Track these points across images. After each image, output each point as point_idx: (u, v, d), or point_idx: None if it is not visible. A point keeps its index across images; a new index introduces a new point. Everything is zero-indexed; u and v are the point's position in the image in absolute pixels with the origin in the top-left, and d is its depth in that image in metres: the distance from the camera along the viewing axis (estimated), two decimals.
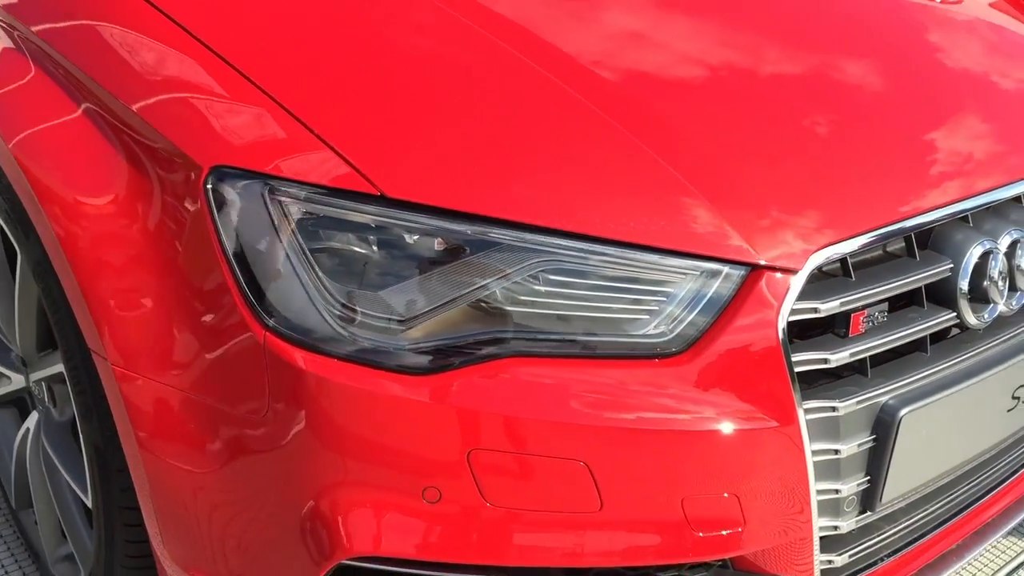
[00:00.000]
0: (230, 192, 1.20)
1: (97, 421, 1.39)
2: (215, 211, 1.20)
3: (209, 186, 1.20)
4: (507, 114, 1.31)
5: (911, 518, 1.48)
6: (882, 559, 1.46)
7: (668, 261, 1.22)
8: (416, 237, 1.17)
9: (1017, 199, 1.50)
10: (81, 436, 1.44)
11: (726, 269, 1.23)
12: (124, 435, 1.32)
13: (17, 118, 1.39)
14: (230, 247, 1.19)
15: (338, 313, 1.17)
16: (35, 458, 1.72)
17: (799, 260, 1.26)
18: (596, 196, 1.24)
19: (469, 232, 1.18)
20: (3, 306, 1.66)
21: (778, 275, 1.24)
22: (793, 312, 1.25)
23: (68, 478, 1.55)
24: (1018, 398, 1.50)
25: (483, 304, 1.19)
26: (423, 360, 1.17)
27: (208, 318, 1.22)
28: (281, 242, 1.18)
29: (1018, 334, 1.50)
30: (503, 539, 1.20)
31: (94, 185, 1.31)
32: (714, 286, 1.23)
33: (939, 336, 1.44)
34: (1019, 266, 1.46)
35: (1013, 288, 1.46)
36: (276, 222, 1.18)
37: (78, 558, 1.61)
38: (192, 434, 1.26)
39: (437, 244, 1.17)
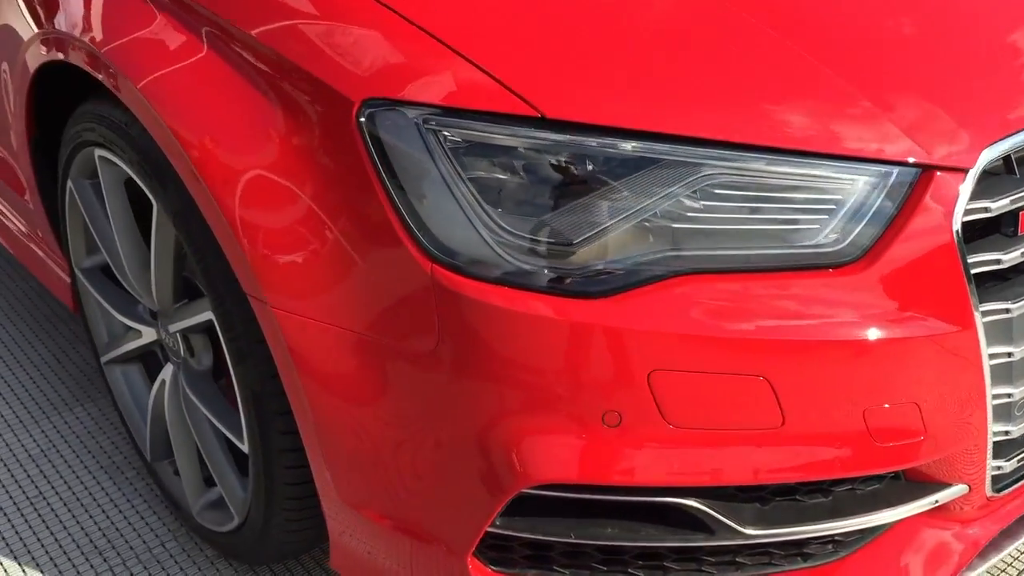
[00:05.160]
0: (383, 125, 1.17)
1: (254, 366, 1.39)
2: (370, 146, 1.18)
3: (362, 119, 1.18)
4: (660, 29, 1.27)
5: None
6: None
7: (838, 166, 1.18)
8: (578, 158, 1.14)
9: None
10: (235, 382, 1.44)
11: (897, 171, 1.19)
12: (287, 378, 1.32)
13: (148, 63, 1.37)
14: (388, 181, 1.17)
15: (504, 241, 1.15)
16: (174, 409, 1.73)
17: (971, 158, 1.21)
18: (757, 105, 1.20)
19: (632, 149, 1.15)
20: (132, 260, 1.66)
21: (950, 174, 1.20)
22: (966, 212, 1.21)
23: (218, 425, 1.56)
24: None
25: (650, 223, 1.16)
26: (596, 283, 1.15)
27: (370, 254, 1.21)
28: (440, 172, 1.15)
29: None
30: (685, 460, 1.18)
31: (240, 128, 1.29)
32: (886, 189, 1.19)
33: None
34: None
35: None
36: (433, 152, 1.16)
37: (231, 504, 1.63)
38: (361, 372, 1.26)
39: (600, 164, 1.14)
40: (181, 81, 1.34)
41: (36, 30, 1.65)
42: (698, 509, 1.21)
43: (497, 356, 1.17)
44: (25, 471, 2.08)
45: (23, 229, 2.19)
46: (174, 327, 1.62)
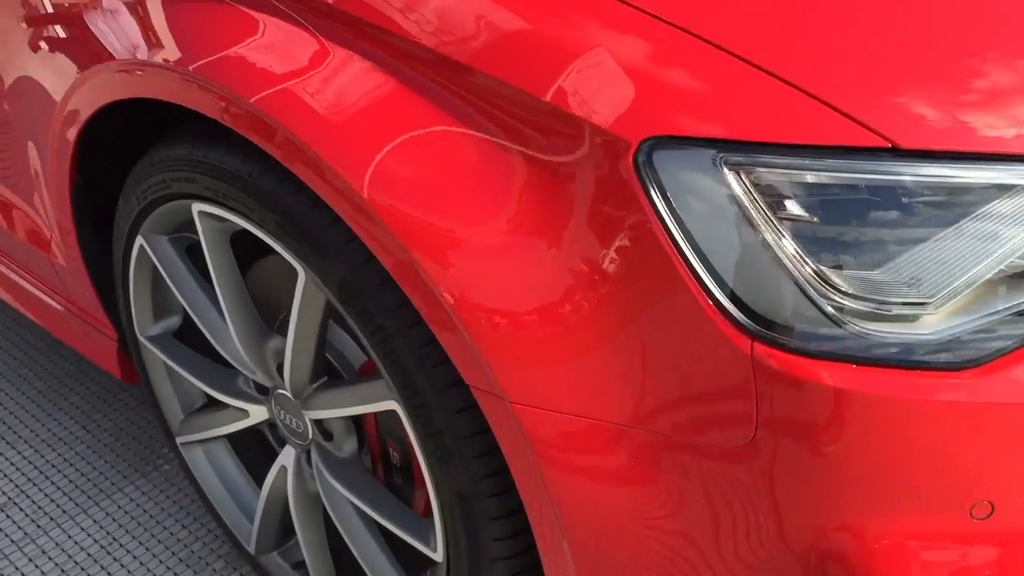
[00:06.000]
0: (670, 168, 0.92)
1: (462, 466, 1.13)
2: (653, 195, 0.92)
3: (641, 161, 0.92)
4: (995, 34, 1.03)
5: None
6: None
7: None
8: (940, 194, 0.91)
9: None
10: (430, 482, 1.18)
11: None
12: (526, 481, 1.06)
13: (310, 105, 1.07)
14: (681, 238, 0.92)
15: (839, 305, 0.92)
16: (301, 499, 1.45)
17: None
18: None
19: (996, 177, 0.92)
20: (243, 329, 1.36)
21: None
22: None
23: (385, 523, 1.29)
24: None
25: (1011, 269, 0.94)
26: (961, 349, 0.92)
27: (657, 333, 0.96)
28: (752, 224, 0.91)
29: None
30: None
31: (453, 181, 1.01)
32: None
33: None
34: None
35: None
36: (740, 199, 0.90)
37: None
38: (636, 469, 1.01)
39: (970, 200, 0.92)
40: (360, 125, 1.05)
41: (90, 67, 1.32)
42: None
43: (838, 447, 0.94)
44: (84, 571, 1.77)
45: (37, 287, 1.86)
46: (315, 413, 1.33)
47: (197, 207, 1.30)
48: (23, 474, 1.95)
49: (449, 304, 1.01)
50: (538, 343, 1.00)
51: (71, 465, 1.97)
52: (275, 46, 1.09)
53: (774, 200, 0.91)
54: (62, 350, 2.28)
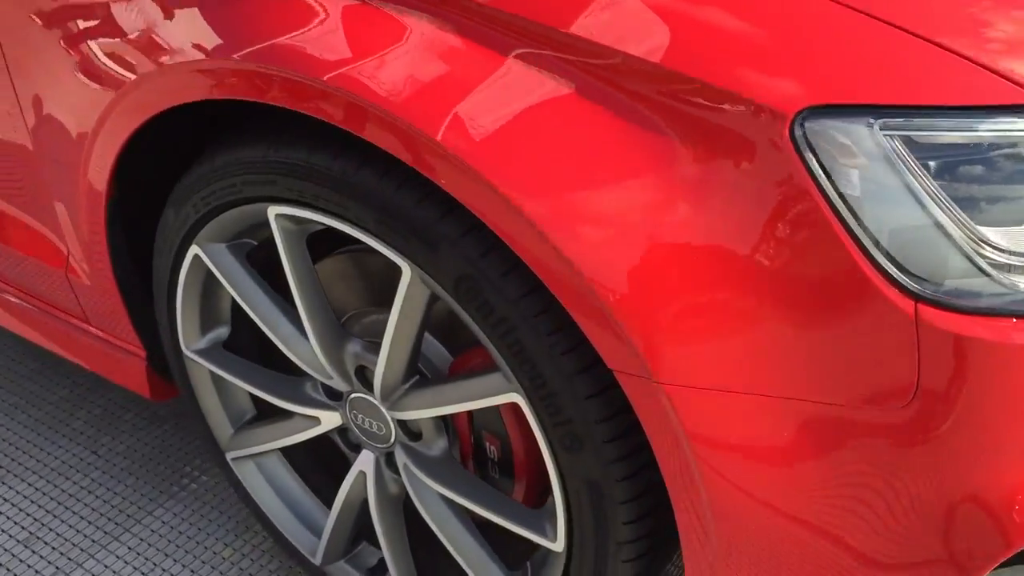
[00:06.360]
0: (829, 138, 0.92)
1: (593, 451, 1.12)
2: (813, 164, 0.93)
3: (797, 132, 0.93)
4: None
5: None
6: None
7: None
8: None
9: None
10: (555, 472, 1.16)
11: None
12: (670, 461, 1.05)
13: (434, 97, 1.03)
14: (842, 207, 0.93)
15: (1002, 262, 0.93)
16: (383, 501, 1.42)
17: None
18: None
19: None
20: (323, 332, 1.32)
21: None
22: None
23: (494, 518, 1.27)
24: None
25: None
26: None
27: (815, 301, 0.96)
28: (913, 188, 0.92)
29: None
30: None
31: (592, 160, 1.00)
32: None
33: None
34: None
35: None
36: (903, 165, 0.92)
37: None
38: (789, 445, 1.01)
39: None
40: (485, 113, 1.02)
41: (148, 69, 1.25)
42: None
43: (994, 401, 0.96)
44: None
45: (47, 311, 1.76)
46: (408, 414, 1.30)
47: (275, 210, 1.25)
48: (40, 506, 1.85)
49: (598, 290, 0.99)
50: (692, 321, 1.00)
51: (90, 493, 1.87)
52: (418, 52, 1.06)
53: (931, 162, 0.93)
54: (52, 374, 2.17)
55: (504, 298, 1.10)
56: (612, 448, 1.13)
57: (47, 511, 1.84)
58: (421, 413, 1.29)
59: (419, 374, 1.32)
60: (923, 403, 0.97)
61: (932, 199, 0.93)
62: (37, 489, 1.89)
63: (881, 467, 1.02)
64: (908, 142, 0.93)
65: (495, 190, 1.02)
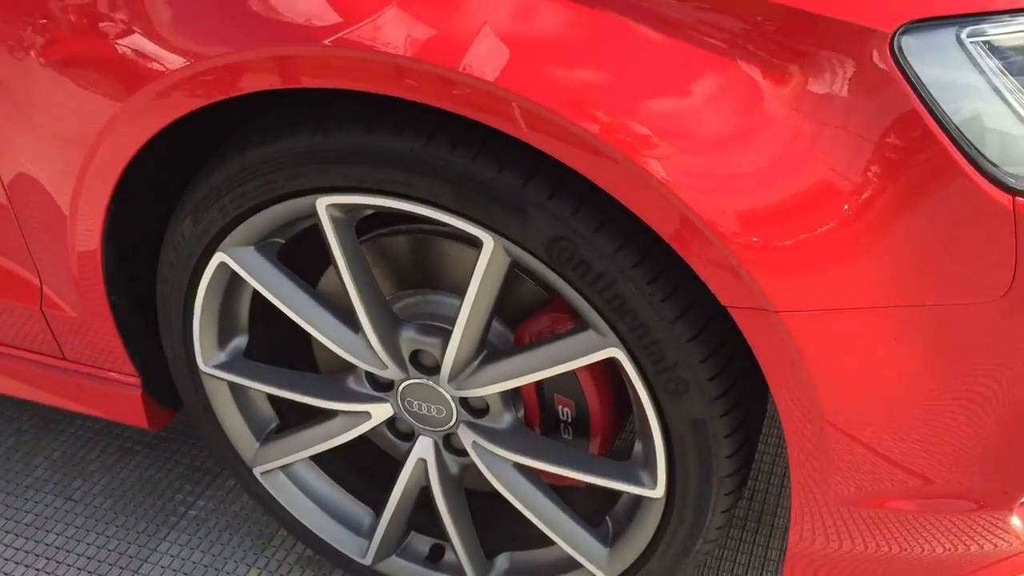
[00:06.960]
0: (924, 49, 0.98)
1: (698, 391, 1.14)
2: (912, 77, 0.98)
3: (899, 50, 0.97)
4: None
5: None
6: None
7: None
8: None
9: None
10: (659, 419, 1.17)
11: None
12: (784, 388, 1.09)
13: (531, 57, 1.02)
14: (942, 115, 0.99)
15: None
16: (446, 483, 1.39)
17: None
18: None
19: None
20: (379, 321, 1.27)
21: None
22: None
23: (578, 475, 1.27)
24: None
25: None
26: None
27: (921, 210, 1.01)
28: (1003, 90, 0.99)
29: None
30: None
31: (687, 103, 1.01)
32: None
33: None
34: None
35: None
36: (992, 67, 0.99)
37: (590, 563, 1.35)
38: (901, 350, 1.07)
39: None
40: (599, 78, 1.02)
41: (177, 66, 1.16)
42: None
43: None
44: None
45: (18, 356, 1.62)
46: (480, 391, 1.28)
47: (325, 200, 1.19)
48: (27, 566, 1.70)
49: (717, 232, 1.02)
50: (805, 246, 1.03)
51: (80, 542, 1.74)
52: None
53: (1013, 62, 1.00)
54: None
55: (600, 254, 1.11)
56: (714, 386, 1.16)
57: (37, 569, 1.71)
58: (494, 388, 1.27)
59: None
60: (1020, 288, 1.05)
61: (1016, 98, 1.01)
62: (18, 549, 1.74)
63: (989, 352, 1.08)
64: (990, 46, 1.00)
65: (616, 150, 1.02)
